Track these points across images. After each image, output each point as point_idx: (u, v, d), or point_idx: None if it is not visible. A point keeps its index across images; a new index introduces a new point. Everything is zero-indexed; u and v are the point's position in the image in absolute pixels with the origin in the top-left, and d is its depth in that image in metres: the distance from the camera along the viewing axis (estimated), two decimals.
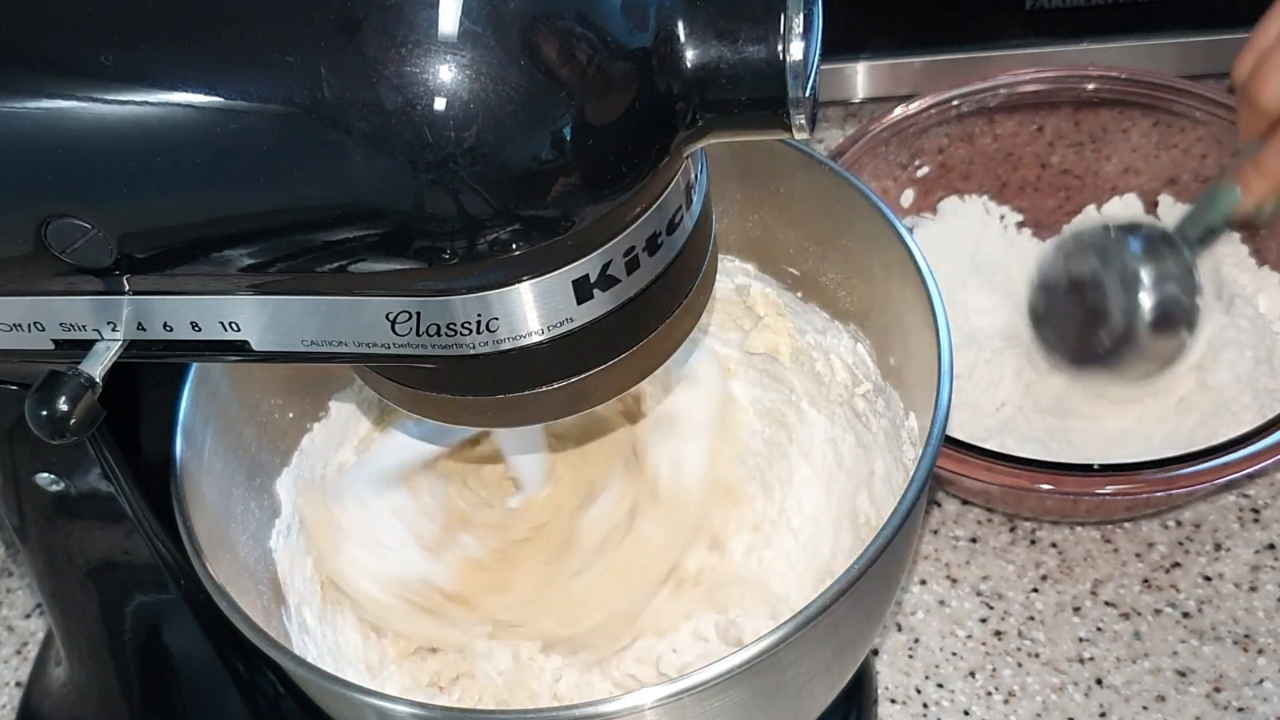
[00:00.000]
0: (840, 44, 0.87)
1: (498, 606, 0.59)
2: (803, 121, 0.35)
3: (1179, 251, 0.68)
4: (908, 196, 0.80)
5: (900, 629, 0.68)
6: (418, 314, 0.37)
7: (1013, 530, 0.71)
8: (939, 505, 0.72)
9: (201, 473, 0.52)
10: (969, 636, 0.67)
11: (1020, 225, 0.81)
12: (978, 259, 0.80)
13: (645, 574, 0.60)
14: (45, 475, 0.51)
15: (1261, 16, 0.62)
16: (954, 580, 0.69)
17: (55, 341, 0.41)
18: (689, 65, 0.35)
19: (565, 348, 0.38)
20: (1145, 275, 0.68)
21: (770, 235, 0.61)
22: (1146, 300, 0.68)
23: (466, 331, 0.37)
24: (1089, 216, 0.77)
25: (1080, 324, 0.70)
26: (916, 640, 0.67)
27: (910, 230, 0.79)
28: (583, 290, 0.37)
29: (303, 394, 0.61)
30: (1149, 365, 0.69)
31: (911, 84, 0.87)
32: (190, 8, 0.34)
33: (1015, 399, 0.74)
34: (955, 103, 0.78)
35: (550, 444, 0.61)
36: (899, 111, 0.78)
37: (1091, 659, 0.66)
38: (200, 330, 0.39)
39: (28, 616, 0.75)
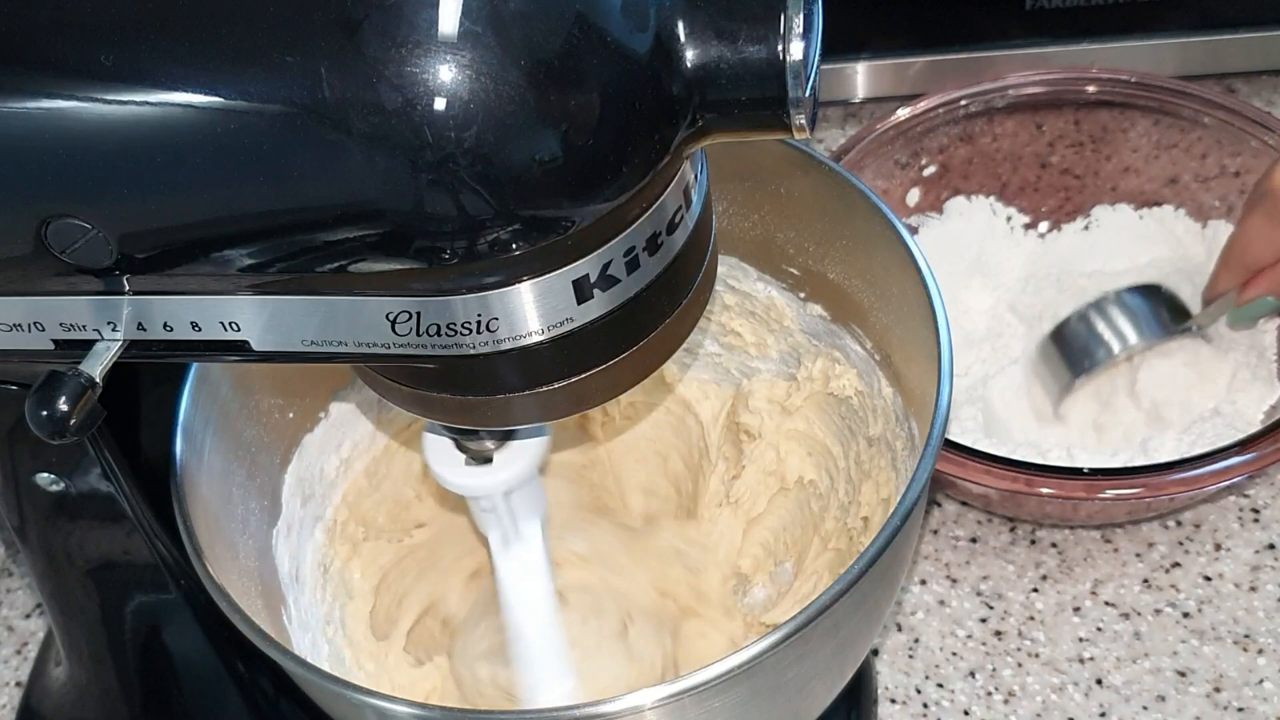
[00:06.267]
0: (840, 44, 0.87)
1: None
2: (803, 121, 0.35)
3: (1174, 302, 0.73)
4: (913, 196, 0.80)
5: (900, 629, 0.68)
6: (418, 314, 0.37)
7: (1013, 530, 0.71)
8: (939, 505, 0.72)
9: (201, 473, 0.52)
10: (969, 636, 0.67)
11: (1026, 226, 0.81)
12: (982, 259, 0.80)
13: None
14: (45, 475, 0.51)
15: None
16: (954, 580, 0.69)
17: (55, 341, 0.41)
18: (689, 65, 0.35)
19: (565, 348, 0.38)
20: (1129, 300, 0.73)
21: (770, 235, 0.61)
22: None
23: (466, 331, 0.37)
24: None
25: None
26: (916, 640, 0.67)
27: (915, 230, 0.80)
28: (583, 290, 0.37)
29: (303, 394, 0.61)
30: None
31: (912, 84, 0.87)
32: (190, 8, 0.34)
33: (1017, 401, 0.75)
34: (963, 103, 0.78)
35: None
36: (904, 111, 0.78)
37: (1091, 659, 0.66)
38: (200, 330, 0.39)
39: (28, 616, 0.75)
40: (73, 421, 0.38)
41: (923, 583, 0.69)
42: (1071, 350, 0.73)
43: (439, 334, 0.37)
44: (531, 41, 0.33)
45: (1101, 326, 0.72)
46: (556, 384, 0.40)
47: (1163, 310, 0.72)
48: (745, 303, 0.65)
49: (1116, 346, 0.72)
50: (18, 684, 0.71)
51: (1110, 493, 0.62)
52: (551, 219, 0.35)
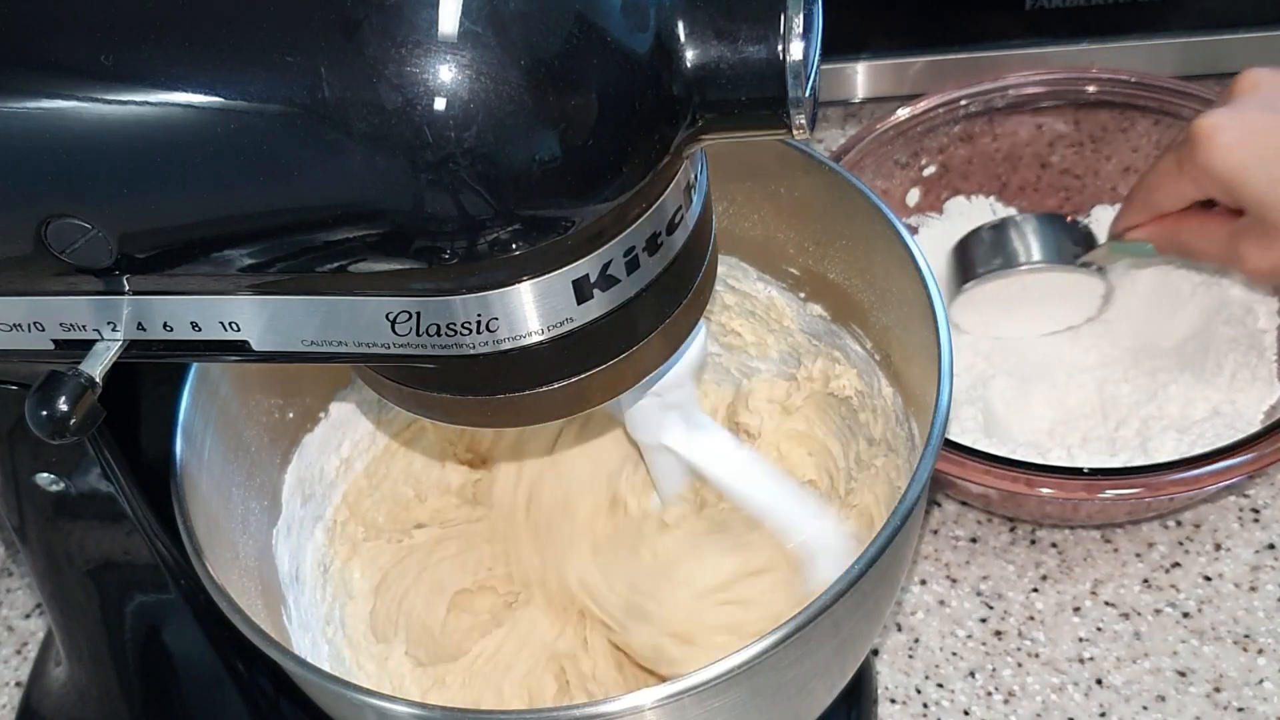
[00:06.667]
0: (840, 44, 0.87)
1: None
2: (803, 121, 0.35)
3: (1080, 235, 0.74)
4: (913, 196, 0.80)
5: (900, 629, 0.68)
6: (418, 314, 0.37)
7: (1013, 530, 0.71)
8: (939, 505, 0.72)
9: (201, 473, 0.52)
10: (969, 636, 0.67)
11: None
12: None
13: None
14: (45, 475, 0.51)
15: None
16: (954, 580, 0.69)
17: (55, 341, 0.41)
18: (689, 65, 0.35)
19: (565, 348, 0.38)
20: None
21: (770, 235, 0.61)
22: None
23: (466, 331, 0.37)
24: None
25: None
26: (916, 640, 0.67)
27: (914, 230, 0.80)
28: (583, 290, 0.37)
29: (303, 394, 0.61)
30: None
31: (912, 84, 0.87)
32: (190, 8, 0.34)
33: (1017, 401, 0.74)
34: (963, 103, 0.78)
35: None
36: (904, 111, 0.78)
37: (1091, 659, 0.66)
38: (200, 330, 0.39)
39: (28, 616, 0.75)
40: (73, 421, 0.38)
41: (923, 583, 0.69)
42: (973, 256, 0.74)
43: (439, 334, 0.37)
44: (531, 41, 0.33)
45: (1010, 239, 0.73)
46: (556, 384, 0.40)
47: (1067, 240, 0.73)
48: (745, 303, 0.65)
49: (1018, 258, 0.73)
50: (18, 684, 0.71)
51: (1110, 493, 0.62)
52: (551, 219, 0.35)
